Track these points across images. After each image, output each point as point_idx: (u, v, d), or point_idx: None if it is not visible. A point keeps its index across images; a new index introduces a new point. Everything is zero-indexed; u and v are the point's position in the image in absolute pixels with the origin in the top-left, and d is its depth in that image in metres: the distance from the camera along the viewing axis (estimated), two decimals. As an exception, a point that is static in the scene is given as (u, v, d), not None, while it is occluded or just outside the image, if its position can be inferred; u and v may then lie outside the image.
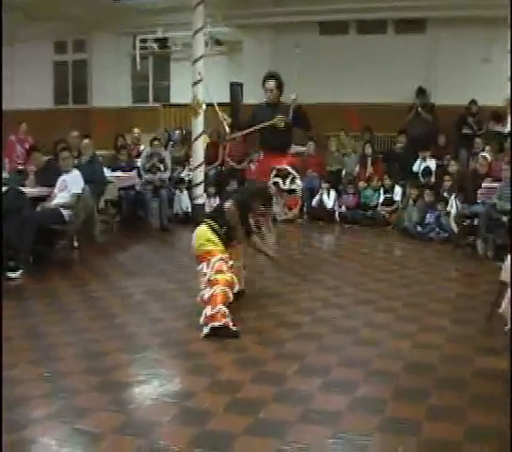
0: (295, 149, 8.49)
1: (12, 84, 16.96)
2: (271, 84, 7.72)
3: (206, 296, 5.74)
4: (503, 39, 12.19)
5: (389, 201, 11.91)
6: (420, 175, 11.78)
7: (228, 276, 5.83)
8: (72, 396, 4.34)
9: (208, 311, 5.64)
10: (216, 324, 5.61)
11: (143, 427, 3.90)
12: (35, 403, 4.23)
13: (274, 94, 7.76)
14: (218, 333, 5.59)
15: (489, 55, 13.08)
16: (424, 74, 13.81)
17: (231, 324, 5.67)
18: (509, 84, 11.33)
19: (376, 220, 11.84)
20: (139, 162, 11.99)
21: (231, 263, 6.04)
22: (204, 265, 5.92)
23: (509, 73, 11.80)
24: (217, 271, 5.80)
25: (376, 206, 12.01)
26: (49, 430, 3.86)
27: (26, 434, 3.81)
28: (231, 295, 5.84)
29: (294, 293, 7.21)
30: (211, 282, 5.77)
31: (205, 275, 5.86)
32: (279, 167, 7.66)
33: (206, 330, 5.62)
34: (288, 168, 7.67)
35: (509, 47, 12.14)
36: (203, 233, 6.10)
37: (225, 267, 5.88)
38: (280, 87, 7.75)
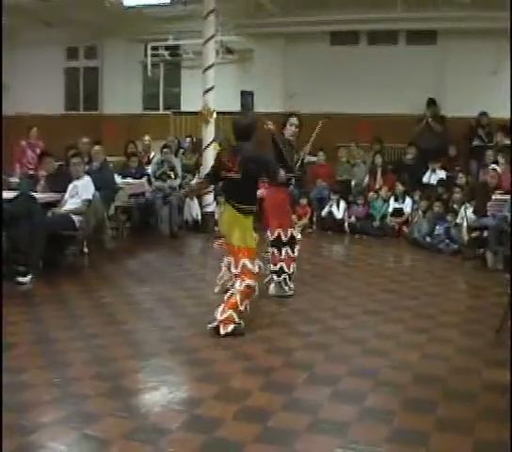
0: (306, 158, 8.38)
1: (23, 89, 17.05)
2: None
3: (228, 294, 6.05)
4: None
5: (398, 213, 11.90)
6: (435, 186, 11.73)
7: (251, 282, 6.04)
8: (81, 402, 4.35)
9: (220, 314, 5.89)
10: (222, 331, 5.83)
11: (152, 434, 3.91)
12: (44, 408, 4.24)
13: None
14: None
15: (499, 67, 13.09)
16: (434, 86, 13.82)
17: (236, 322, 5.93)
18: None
19: (386, 231, 11.83)
20: (150, 169, 12.01)
21: (257, 267, 6.19)
22: (232, 261, 6.16)
23: (510, 83, 11.84)
24: (246, 272, 6.03)
25: (385, 217, 12.00)
26: (58, 435, 3.86)
27: (35, 439, 3.82)
28: (246, 302, 6.05)
29: (303, 302, 7.21)
30: (237, 279, 6.06)
31: (231, 270, 6.21)
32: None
33: (211, 325, 5.91)
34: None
35: (510, 57, 12.21)
36: (230, 216, 6.22)
37: (255, 268, 6.12)
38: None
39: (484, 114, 12.74)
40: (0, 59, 13.75)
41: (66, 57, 17.95)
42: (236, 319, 5.90)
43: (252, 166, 6.15)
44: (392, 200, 12.09)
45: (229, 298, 5.99)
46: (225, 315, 5.87)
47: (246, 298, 6.00)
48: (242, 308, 5.97)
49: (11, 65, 16.62)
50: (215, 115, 11.71)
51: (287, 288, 7.46)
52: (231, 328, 5.86)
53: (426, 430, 3.97)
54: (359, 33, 14.70)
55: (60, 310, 6.66)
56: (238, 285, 6.01)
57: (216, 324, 5.89)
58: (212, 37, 11.65)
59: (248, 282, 6.00)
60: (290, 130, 7.57)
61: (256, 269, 6.15)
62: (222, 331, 5.83)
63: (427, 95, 13.51)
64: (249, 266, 6.06)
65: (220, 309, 5.92)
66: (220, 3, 11.82)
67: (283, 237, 7.42)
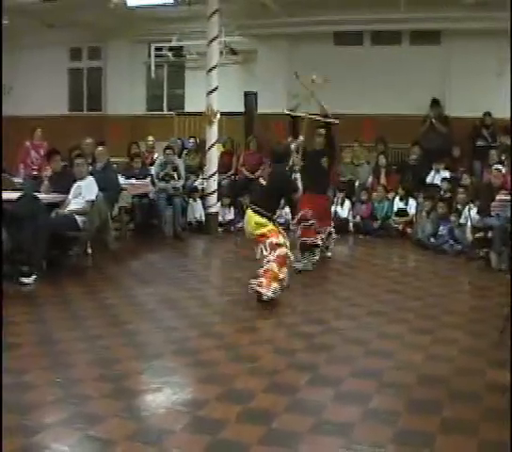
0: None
1: (27, 90, 17.08)
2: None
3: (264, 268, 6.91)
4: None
5: (402, 213, 11.88)
6: (440, 187, 11.71)
7: (283, 250, 7.03)
8: (85, 403, 4.34)
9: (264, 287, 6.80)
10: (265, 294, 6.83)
11: (155, 435, 3.90)
12: (47, 409, 4.23)
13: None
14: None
15: (503, 67, 13.06)
16: (438, 86, 13.80)
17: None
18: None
19: (389, 232, 11.82)
20: (153, 170, 12.00)
21: (283, 239, 7.14)
22: (262, 247, 7.01)
23: (510, 83, 11.83)
24: (274, 246, 6.95)
25: (388, 218, 11.98)
26: (61, 436, 3.85)
27: (38, 440, 3.80)
28: (284, 269, 7.06)
29: (306, 303, 7.21)
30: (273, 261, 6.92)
31: (265, 257, 6.97)
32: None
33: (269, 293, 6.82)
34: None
35: (510, 56, 12.20)
36: (250, 218, 7.17)
37: (281, 240, 7.07)
38: None
39: (488, 114, 12.73)
40: (0, 60, 13.76)
41: (69, 58, 17.99)
42: (278, 288, 6.88)
43: (279, 183, 7.33)
44: (396, 199, 12.07)
45: (265, 271, 6.81)
46: (270, 288, 6.80)
47: (281, 265, 6.97)
48: (281, 275, 6.95)
49: (15, 66, 16.68)
50: (218, 116, 11.71)
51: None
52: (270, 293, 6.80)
53: (431, 431, 3.96)
54: (362, 33, 14.68)
55: (64, 311, 6.66)
56: (271, 256, 6.90)
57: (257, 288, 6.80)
58: (215, 37, 11.65)
59: (279, 251, 6.93)
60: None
61: (281, 241, 7.05)
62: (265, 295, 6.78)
63: (431, 95, 13.50)
64: (275, 240, 6.97)
65: (262, 282, 6.77)
66: (224, 3, 11.81)
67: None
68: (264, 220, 7.07)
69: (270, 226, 7.09)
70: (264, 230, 7.03)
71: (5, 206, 7.64)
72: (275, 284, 6.84)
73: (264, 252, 6.97)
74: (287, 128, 8.45)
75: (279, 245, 6.99)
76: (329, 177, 8.71)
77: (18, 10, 13.11)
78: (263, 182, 7.39)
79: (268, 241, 6.96)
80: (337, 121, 8.92)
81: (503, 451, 3.74)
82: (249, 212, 7.23)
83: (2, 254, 7.34)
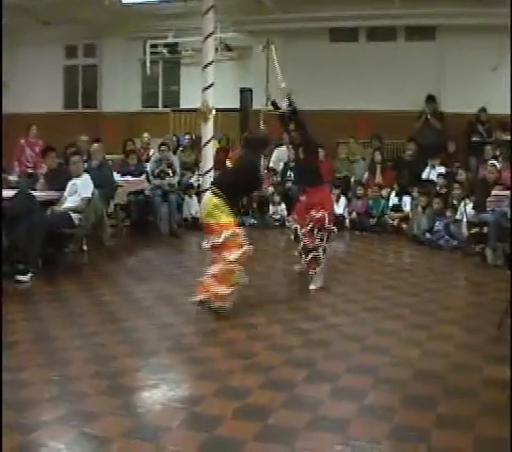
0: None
1: (22, 87, 17.05)
2: None
3: (215, 271, 6.27)
4: (512, 46, 12.22)
5: (398, 208, 11.90)
6: (435, 183, 11.71)
7: (238, 254, 6.30)
8: (81, 400, 4.33)
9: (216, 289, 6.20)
10: (215, 305, 6.23)
11: (151, 432, 3.90)
12: (43, 406, 4.22)
13: None
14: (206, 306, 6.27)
15: (498, 63, 13.07)
16: (433, 82, 13.82)
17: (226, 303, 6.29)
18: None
19: (385, 228, 11.83)
20: (148, 167, 12.00)
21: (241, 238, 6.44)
22: (215, 237, 6.32)
23: (510, 80, 11.85)
24: (229, 248, 6.28)
25: (384, 215, 11.98)
26: (57, 434, 3.85)
27: (35, 437, 3.80)
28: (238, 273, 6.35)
29: (302, 299, 7.20)
30: (222, 260, 6.28)
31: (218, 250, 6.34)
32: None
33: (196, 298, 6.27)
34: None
35: (510, 53, 12.21)
36: (209, 199, 6.46)
37: (238, 242, 6.37)
38: None
39: (483, 110, 12.74)
40: (0, 59, 13.75)
41: (65, 56, 17.97)
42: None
43: (244, 171, 6.72)
44: (392, 195, 12.09)
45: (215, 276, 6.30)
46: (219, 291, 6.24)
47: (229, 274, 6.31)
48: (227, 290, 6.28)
49: (11, 63, 16.64)
50: (214, 112, 11.68)
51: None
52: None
53: (427, 427, 3.96)
54: (358, 29, 14.71)
55: (60, 308, 6.65)
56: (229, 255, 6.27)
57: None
58: (211, 34, 11.60)
59: (235, 255, 6.27)
60: None
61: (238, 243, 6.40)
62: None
63: (426, 91, 13.53)
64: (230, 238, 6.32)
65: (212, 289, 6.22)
66: (219, 0, 11.79)
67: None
68: (222, 203, 6.35)
69: (229, 218, 6.39)
70: (220, 219, 6.32)
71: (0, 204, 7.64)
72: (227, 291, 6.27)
73: (217, 240, 6.31)
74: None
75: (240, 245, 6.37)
76: (316, 169, 8.11)
77: (13, 8, 13.07)
78: (229, 164, 6.82)
79: (226, 233, 6.26)
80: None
81: (498, 446, 3.74)
82: (208, 193, 6.58)
83: (1, 254, 7.35)
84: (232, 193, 6.50)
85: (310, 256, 7.58)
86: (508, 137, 12.17)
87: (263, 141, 7.59)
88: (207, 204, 6.47)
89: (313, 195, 7.72)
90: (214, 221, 6.35)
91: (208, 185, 6.90)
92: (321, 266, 7.56)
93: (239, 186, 6.63)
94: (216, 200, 6.39)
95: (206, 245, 6.49)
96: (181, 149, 13.93)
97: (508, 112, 11.99)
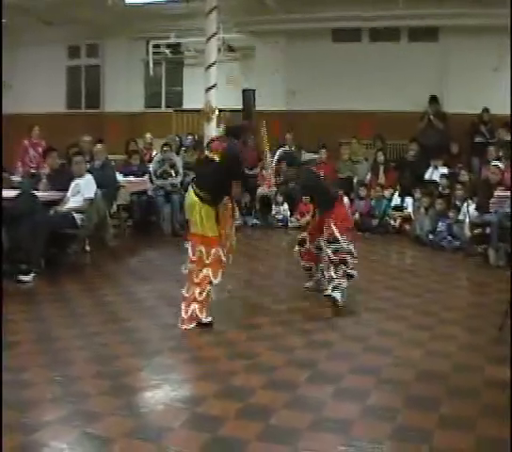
0: (308, 156, 8.43)
1: (25, 87, 17.06)
2: None
3: (196, 293, 6.03)
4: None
5: (400, 208, 11.89)
6: (438, 183, 11.69)
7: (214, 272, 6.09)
8: (83, 400, 4.34)
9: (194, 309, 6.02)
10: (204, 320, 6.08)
11: (154, 432, 3.90)
12: (45, 407, 4.23)
13: None
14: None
15: (501, 63, 13.07)
16: (436, 82, 13.81)
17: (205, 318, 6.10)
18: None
19: (388, 228, 11.83)
20: (151, 167, 12.00)
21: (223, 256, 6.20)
22: (203, 250, 6.04)
23: (510, 80, 11.85)
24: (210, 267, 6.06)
25: (386, 216, 11.98)
26: (59, 434, 3.86)
27: (37, 437, 3.81)
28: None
29: (304, 300, 7.20)
30: (202, 280, 6.06)
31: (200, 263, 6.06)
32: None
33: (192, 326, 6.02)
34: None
35: (510, 54, 12.21)
36: (190, 197, 6.15)
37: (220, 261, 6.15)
38: None
39: (486, 111, 12.73)
40: (0, 59, 13.76)
41: (68, 56, 17.94)
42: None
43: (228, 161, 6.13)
44: (395, 195, 12.09)
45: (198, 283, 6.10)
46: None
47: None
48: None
49: (13, 64, 16.66)
50: (217, 112, 11.70)
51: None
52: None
53: (429, 427, 3.96)
54: (360, 30, 14.68)
55: (62, 308, 6.65)
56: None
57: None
58: (214, 34, 11.63)
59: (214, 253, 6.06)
60: None
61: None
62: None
63: (429, 92, 13.52)
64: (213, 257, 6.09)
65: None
66: (222, 0, 11.80)
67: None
68: (207, 208, 6.03)
69: (214, 232, 6.07)
70: (206, 231, 6.02)
71: (3, 204, 7.64)
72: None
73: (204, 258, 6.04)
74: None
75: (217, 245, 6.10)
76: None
77: (16, 8, 13.09)
78: (216, 158, 6.08)
79: (213, 251, 6.04)
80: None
81: (500, 447, 3.74)
82: (190, 191, 6.22)
83: (2, 253, 7.36)
84: (218, 190, 6.14)
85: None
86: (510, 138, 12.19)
87: (242, 128, 7.25)
88: (192, 206, 6.12)
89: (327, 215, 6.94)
90: (200, 231, 6.07)
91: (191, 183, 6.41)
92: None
93: (223, 182, 6.17)
94: (199, 204, 6.07)
95: (185, 270, 6.22)
96: (183, 149, 13.92)
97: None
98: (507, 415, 4.03)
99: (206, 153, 6.30)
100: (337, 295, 6.57)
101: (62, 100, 18.01)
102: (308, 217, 8.05)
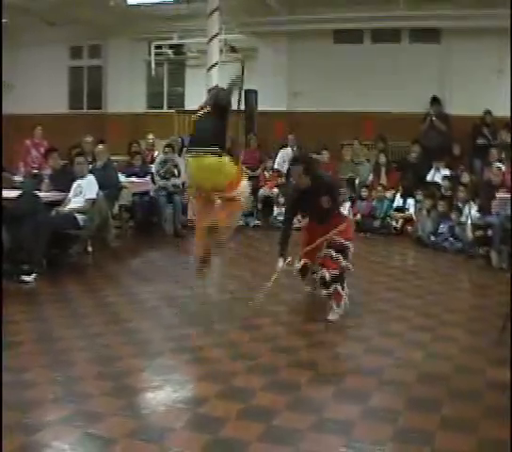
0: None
1: (27, 88, 17.08)
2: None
3: None
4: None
5: (401, 210, 11.90)
6: (440, 185, 11.67)
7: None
8: (85, 401, 4.34)
9: None
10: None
11: (156, 433, 3.90)
12: (47, 407, 4.23)
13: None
14: None
15: (503, 65, 13.07)
16: (438, 84, 13.82)
17: None
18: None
19: (390, 229, 11.83)
20: (153, 168, 12.01)
21: None
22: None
23: (510, 81, 11.86)
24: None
25: (388, 217, 11.97)
26: (61, 434, 3.85)
27: (39, 438, 3.81)
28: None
29: (305, 301, 7.20)
30: None
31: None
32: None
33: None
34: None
35: (510, 56, 12.21)
36: (199, 162, 6.45)
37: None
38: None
39: (488, 113, 12.73)
40: (0, 59, 13.77)
41: (70, 56, 17.99)
42: None
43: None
44: (397, 196, 12.09)
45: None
46: None
47: None
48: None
49: (16, 64, 16.69)
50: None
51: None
52: None
53: (431, 429, 3.96)
54: (362, 31, 14.68)
55: (64, 309, 6.66)
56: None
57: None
58: (216, 35, 11.65)
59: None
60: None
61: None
62: None
63: (431, 93, 13.51)
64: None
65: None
66: (224, 1, 11.81)
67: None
68: (223, 160, 6.10)
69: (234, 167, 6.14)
70: (229, 178, 6.07)
71: (5, 204, 7.65)
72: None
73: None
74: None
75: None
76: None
77: (18, 9, 13.11)
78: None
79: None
80: None
81: (502, 449, 3.74)
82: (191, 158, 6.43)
83: (2, 253, 7.35)
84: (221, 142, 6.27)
85: (332, 288, 6.41)
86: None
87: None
88: (200, 168, 6.29)
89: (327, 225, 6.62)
90: (222, 180, 6.23)
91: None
92: (345, 295, 6.51)
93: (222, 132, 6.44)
94: (211, 160, 6.24)
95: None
96: (185, 150, 13.92)
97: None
98: (509, 417, 4.03)
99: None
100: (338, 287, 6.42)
101: (64, 100, 18.04)
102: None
